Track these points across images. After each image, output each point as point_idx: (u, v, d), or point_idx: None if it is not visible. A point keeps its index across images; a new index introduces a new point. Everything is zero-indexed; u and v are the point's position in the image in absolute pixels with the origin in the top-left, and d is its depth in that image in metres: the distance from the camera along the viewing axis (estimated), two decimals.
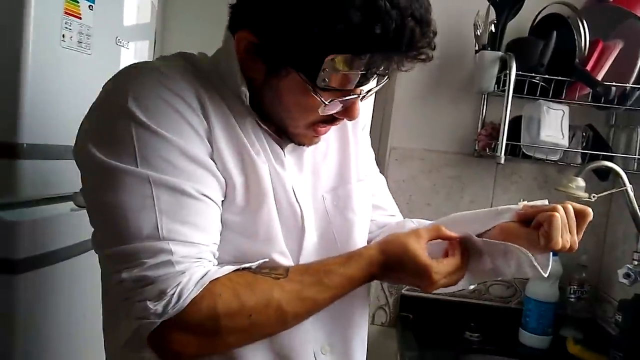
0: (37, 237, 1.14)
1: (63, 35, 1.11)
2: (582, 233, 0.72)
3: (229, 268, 0.64)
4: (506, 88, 1.32)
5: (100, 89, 0.68)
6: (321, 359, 0.76)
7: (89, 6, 1.17)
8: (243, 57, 0.68)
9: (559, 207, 0.70)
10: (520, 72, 1.34)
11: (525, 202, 0.76)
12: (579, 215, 0.71)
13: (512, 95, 1.31)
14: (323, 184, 0.80)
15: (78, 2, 1.13)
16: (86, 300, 1.38)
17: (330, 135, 0.80)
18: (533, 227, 0.72)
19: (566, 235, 0.69)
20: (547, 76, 1.36)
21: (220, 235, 0.66)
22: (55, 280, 1.23)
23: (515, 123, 1.43)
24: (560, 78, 1.35)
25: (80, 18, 1.15)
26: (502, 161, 1.32)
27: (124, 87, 0.64)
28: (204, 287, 0.60)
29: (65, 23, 1.11)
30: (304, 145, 0.76)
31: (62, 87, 1.16)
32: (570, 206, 0.71)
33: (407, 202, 1.66)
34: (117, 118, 0.62)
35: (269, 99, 0.70)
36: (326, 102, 0.65)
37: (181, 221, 0.61)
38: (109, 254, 0.61)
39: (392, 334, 1.60)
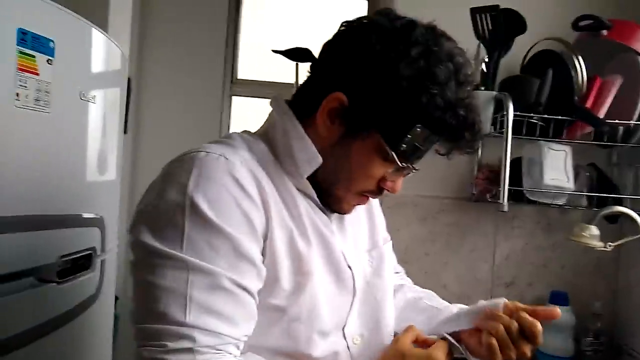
0: None
1: (17, 94, 0.99)
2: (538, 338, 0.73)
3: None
4: (504, 130, 1.24)
5: (165, 166, 0.70)
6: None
7: (47, 60, 1.06)
8: (323, 118, 0.72)
9: (499, 325, 0.73)
10: (517, 113, 1.26)
11: (482, 301, 0.81)
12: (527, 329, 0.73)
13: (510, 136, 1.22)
14: (362, 245, 0.84)
15: (34, 57, 1.02)
16: None
17: None
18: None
19: (507, 351, 0.72)
20: (546, 116, 1.28)
21: (265, 321, 0.68)
22: None
23: (514, 165, 1.34)
24: (560, 117, 1.27)
25: (37, 74, 1.03)
26: (506, 209, 1.23)
27: (188, 169, 0.65)
28: None
29: (20, 80, 0.99)
30: (344, 213, 0.79)
31: (16, 151, 1.03)
32: (513, 324, 0.73)
33: (404, 252, 1.55)
34: (176, 201, 0.64)
35: (333, 159, 0.73)
36: (401, 164, 0.71)
37: (210, 311, 0.62)
38: (138, 328, 0.62)
39: None
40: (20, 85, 1.00)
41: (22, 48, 0.99)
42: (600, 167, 1.38)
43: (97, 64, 1.32)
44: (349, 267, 0.77)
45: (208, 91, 2.30)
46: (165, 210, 0.64)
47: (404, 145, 0.70)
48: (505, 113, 1.24)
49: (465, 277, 1.53)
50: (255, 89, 2.37)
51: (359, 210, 0.86)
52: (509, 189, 1.25)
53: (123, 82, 1.53)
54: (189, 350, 0.59)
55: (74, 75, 1.19)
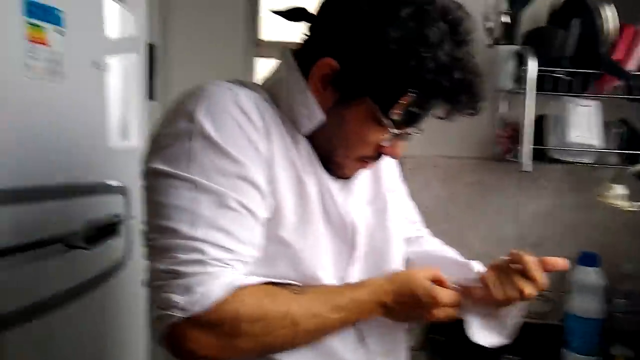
0: (24, 287, 1.05)
1: (28, 66, 1.01)
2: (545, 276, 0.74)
3: (255, 278, 0.67)
4: (525, 85, 1.18)
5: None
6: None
7: (57, 30, 1.07)
8: (315, 84, 0.71)
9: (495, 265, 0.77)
10: (540, 67, 1.19)
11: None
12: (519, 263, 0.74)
13: (536, 93, 1.17)
14: (362, 198, 0.83)
15: (42, 28, 1.03)
16: (83, 348, 1.29)
17: None
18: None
19: (506, 288, 0.74)
20: (571, 69, 1.21)
21: (272, 252, 0.70)
22: (50, 332, 1.13)
23: (539, 123, 1.29)
24: (586, 71, 1.20)
25: (47, 45, 1.04)
26: (529, 168, 1.18)
27: (197, 98, 0.68)
28: (229, 291, 0.63)
29: (30, 52, 1.01)
30: (346, 177, 0.79)
31: (34, 122, 1.06)
32: (507, 262, 0.75)
33: (424, 212, 1.52)
34: (183, 125, 0.66)
35: (329, 127, 0.73)
36: (394, 132, 0.70)
37: (217, 227, 0.64)
38: (151, 245, 0.66)
39: (420, 359, 1.48)
40: (31, 57, 1.01)
41: (30, 19, 1.01)
42: (631, 122, 1.30)
43: (110, 31, 1.33)
44: (351, 221, 0.77)
45: (232, 54, 2.29)
46: (174, 135, 0.67)
47: (398, 111, 0.69)
48: (526, 68, 1.18)
49: (489, 238, 1.50)
50: (279, 50, 2.35)
51: None
52: (532, 148, 1.21)
53: (139, 48, 1.54)
54: (200, 261, 0.62)
55: (86, 44, 1.20)
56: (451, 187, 1.49)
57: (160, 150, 0.68)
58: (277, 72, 0.80)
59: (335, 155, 0.76)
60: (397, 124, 0.70)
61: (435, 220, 1.53)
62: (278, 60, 0.80)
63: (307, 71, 0.73)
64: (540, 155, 1.29)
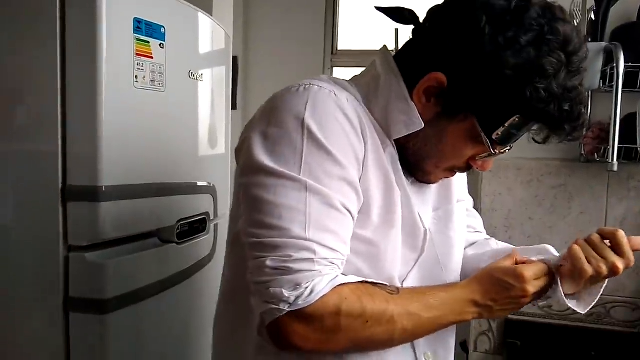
0: (124, 276, 1.16)
1: (136, 76, 1.12)
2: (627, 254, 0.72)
3: (355, 278, 0.69)
4: (614, 83, 1.15)
5: (275, 95, 0.73)
6: None
7: (160, 44, 1.18)
8: (419, 94, 0.71)
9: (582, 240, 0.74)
10: (630, 64, 1.15)
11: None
12: (610, 238, 0.73)
13: (622, 91, 1.13)
14: (431, 204, 0.84)
15: (148, 42, 1.15)
16: (175, 334, 1.40)
17: None
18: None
19: (594, 261, 0.72)
20: None
21: (352, 250, 0.71)
22: (144, 317, 1.24)
23: (628, 122, 1.24)
24: None
25: (152, 57, 1.16)
26: (615, 168, 1.14)
27: (303, 99, 0.69)
28: (334, 288, 0.65)
29: (138, 64, 1.12)
30: (428, 182, 0.80)
31: (138, 127, 1.17)
32: (595, 235, 0.74)
33: (506, 216, 1.51)
34: (292, 126, 0.68)
35: (424, 137, 0.73)
36: (494, 152, 0.71)
37: (325, 229, 0.66)
38: (259, 241, 0.66)
39: None
40: (139, 68, 1.13)
41: (138, 35, 1.12)
42: None
43: (204, 45, 1.44)
44: (424, 227, 0.78)
45: (310, 64, 2.37)
46: (282, 135, 0.68)
47: (499, 133, 0.69)
48: (615, 65, 1.15)
49: None
50: (356, 58, 2.40)
51: None
52: (620, 147, 1.17)
53: (228, 60, 1.65)
54: (310, 260, 0.64)
55: (183, 57, 1.31)
56: (535, 190, 1.46)
57: (269, 148, 0.68)
58: (373, 71, 0.79)
59: (425, 164, 0.77)
60: (496, 145, 0.71)
61: (518, 223, 1.51)
62: (376, 59, 0.79)
63: (409, 77, 0.73)
64: (630, 154, 1.24)
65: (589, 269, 0.72)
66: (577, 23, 1.27)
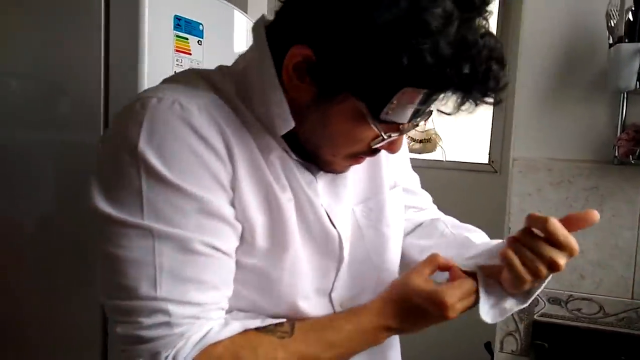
0: None
1: (175, 72, 1.16)
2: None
3: (234, 329, 0.59)
4: None
5: (114, 115, 0.61)
6: None
7: (198, 41, 1.22)
8: (289, 75, 0.58)
9: (515, 241, 0.63)
10: None
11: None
12: (541, 230, 0.61)
13: None
14: (352, 196, 0.73)
15: (187, 39, 1.18)
16: None
17: None
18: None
19: (533, 264, 0.61)
20: None
21: (239, 281, 0.62)
22: None
23: None
24: None
25: (190, 54, 1.20)
26: None
27: (138, 121, 0.56)
28: (202, 350, 0.56)
29: (177, 60, 1.16)
30: (334, 172, 0.69)
31: None
32: (529, 236, 0.62)
33: None
34: (125, 159, 0.55)
35: (310, 123, 0.61)
36: (385, 136, 0.59)
37: (183, 279, 0.56)
38: (111, 304, 0.57)
39: None
40: (177, 65, 1.17)
41: (178, 32, 1.16)
42: None
43: (239, 42, 1.47)
44: (337, 231, 0.68)
45: None
46: (116, 171, 0.56)
47: (389, 112, 0.55)
48: None
49: (605, 245, 1.43)
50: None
51: None
52: None
53: None
54: (166, 324, 0.55)
55: (219, 53, 1.34)
56: (565, 192, 1.45)
57: (105, 188, 0.57)
58: (249, 52, 0.65)
59: (322, 153, 0.64)
60: (391, 123, 0.57)
61: None
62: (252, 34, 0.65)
63: (279, 55, 0.59)
64: None
65: (527, 276, 0.61)
66: (615, 24, 1.26)
